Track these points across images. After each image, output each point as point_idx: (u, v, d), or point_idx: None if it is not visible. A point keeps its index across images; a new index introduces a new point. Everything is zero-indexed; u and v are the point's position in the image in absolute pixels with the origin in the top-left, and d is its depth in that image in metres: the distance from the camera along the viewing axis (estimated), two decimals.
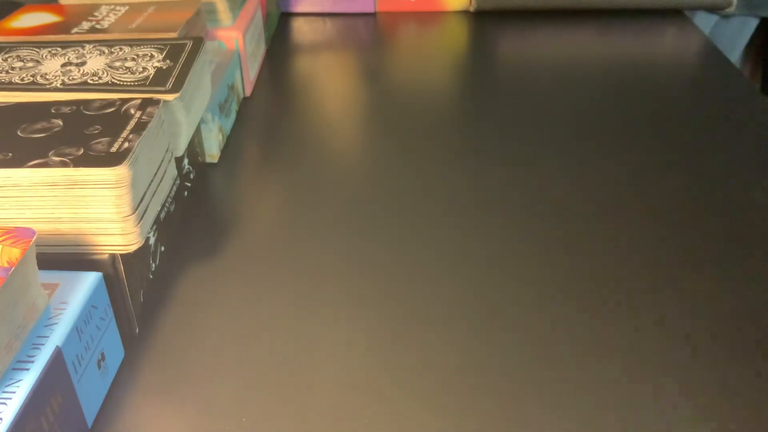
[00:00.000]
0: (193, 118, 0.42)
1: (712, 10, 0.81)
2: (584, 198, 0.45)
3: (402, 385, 0.32)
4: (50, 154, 0.32)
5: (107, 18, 0.50)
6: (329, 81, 0.63)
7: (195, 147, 0.46)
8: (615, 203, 0.45)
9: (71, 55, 0.43)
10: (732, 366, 0.33)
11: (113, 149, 0.32)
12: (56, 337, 0.28)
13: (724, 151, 0.50)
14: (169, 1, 0.53)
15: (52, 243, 0.33)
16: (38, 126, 0.35)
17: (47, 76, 0.40)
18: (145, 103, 0.37)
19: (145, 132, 0.34)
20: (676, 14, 0.77)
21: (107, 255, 0.33)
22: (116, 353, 0.33)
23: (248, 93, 0.60)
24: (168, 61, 0.42)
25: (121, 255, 0.33)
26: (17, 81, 0.40)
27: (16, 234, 0.27)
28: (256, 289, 0.38)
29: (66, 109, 0.37)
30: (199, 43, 0.44)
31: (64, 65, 0.41)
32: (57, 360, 0.27)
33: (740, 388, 0.32)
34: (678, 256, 0.40)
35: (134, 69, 0.41)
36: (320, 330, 0.35)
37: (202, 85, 0.44)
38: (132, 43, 0.44)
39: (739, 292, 0.37)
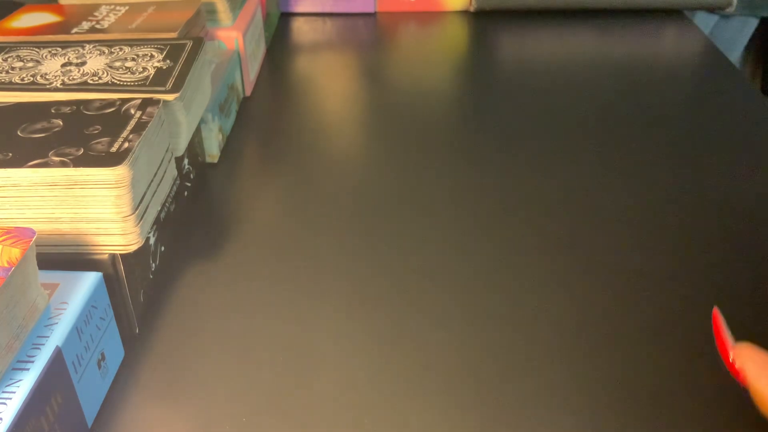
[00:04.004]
0: (193, 118, 0.42)
1: (712, 10, 0.81)
2: (584, 197, 0.45)
3: (402, 385, 0.32)
4: (50, 154, 0.32)
5: (107, 18, 0.50)
6: (329, 81, 0.63)
7: (195, 147, 0.46)
8: (615, 202, 0.45)
9: (71, 55, 0.43)
10: None
11: (113, 149, 0.32)
12: (56, 337, 0.28)
13: (723, 151, 0.50)
14: (169, 1, 0.53)
15: (52, 243, 0.33)
16: (38, 126, 0.35)
17: (47, 76, 0.40)
18: (145, 103, 0.37)
19: (145, 132, 0.34)
20: (676, 14, 0.77)
21: (107, 255, 0.33)
22: (116, 353, 0.33)
23: (248, 93, 0.60)
24: (168, 61, 0.42)
25: (121, 255, 0.33)
26: (17, 81, 0.40)
27: (16, 234, 0.27)
28: (255, 288, 0.38)
29: (66, 109, 0.37)
30: (199, 43, 0.44)
31: (64, 65, 0.41)
32: (57, 360, 0.27)
33: None
34: (678, 256, 0.40)
35: (134, 69, 0.41)
36: (320, 330, 0.35)
37: (202, 85, 0.44)
38: (132, 43, 0.44)
39: (739, 293, 0.37)
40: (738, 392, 0.32)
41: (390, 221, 0.43)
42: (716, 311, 0.29)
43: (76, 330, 0.29)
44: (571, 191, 0.46)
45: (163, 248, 0.38)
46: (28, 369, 0.26)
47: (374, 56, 0.68)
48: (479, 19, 0.77)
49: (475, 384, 0.32)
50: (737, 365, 0.26)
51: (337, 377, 0.33)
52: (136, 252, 0.34)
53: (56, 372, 0.27)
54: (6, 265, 0.26)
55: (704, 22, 0.89)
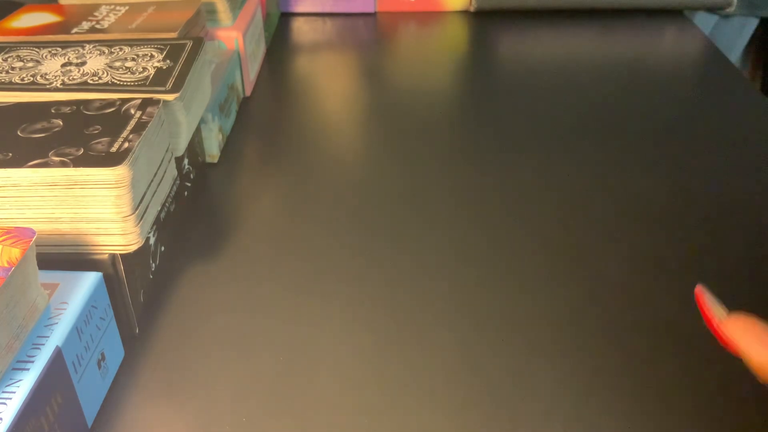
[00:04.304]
0: (193, 118, 0.42)
1: (712, 10, 0.81)
2: (584, 197, 0.45)
3: (402, 385, 0.32)
4: (50, 154, 0.32)
5: (107, 18, 0.50)
6: (329, 81, 0.63)
7: (195, 147, 0.46)
8: (615, 202, 0.45)
9: (71, 55, 0.43)
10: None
11: (113, 149, 0.32)
12: (56, 337, 0.28)
13: (723, 151, 0.50)
14: (169, 1, 0.53)
15: (52, 243, 0.33)
16: (38, 126, 0.35)
17: (47, 76, 0.40)
18: (145, 103, 0.37)
19: (145, 132, 0.34)
20: (676, 14, 0.77)
21: (107, 255, 0.33)
22: (116, 353, 0.33)
23: (248, 93, 0.60)
24: (168, 61, 0.42)
25: (121, 255, 0.33)
26: (17, 81, 0.40)
27: (16, 234, 0.27)
28: (255, 288, 0.38)
29: (66, 109, 0.37)
30: (199, 43, 0.44)
31: (64, 65, 0.41)
32: (57, 360, 0.27)
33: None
34: (678, 256, 0.40)
35: (134, 69, 0.41)
36: (320, 329, 0.35)
37: (202, 85, 0.44)
38: (132, 43, 0.44)
39: (739, 292, 0.37)
40: (741, 390, 0.32)
41: (390, 221, 0.43)
42: (698, 290, 0.29)
43: (76, 330, 0.29)
44: (570, 190, 0.46)
45: (163, 248, 0.38)
46: (28, 369, 0.26)
47: (374, 56, 0.68)
48: (479, 19, 0.77)
49: (475, 383, 0.32)
50: (727, 336, 0.27)
51: (338, 377, 0.33)
52: (136, 252, 0.34)
53: (56, 372, 0.27)
54: (6, 265, 0.26)
55: (704, 22, 0.89)
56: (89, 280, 0.31)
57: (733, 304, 0.37)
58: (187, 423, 0.31)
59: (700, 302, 0.29)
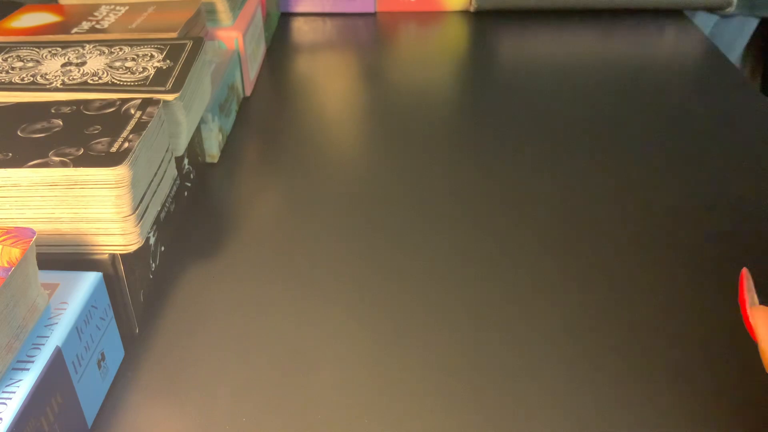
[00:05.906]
0: (193, 118, 0.42)
1: (712, 10, 0.81)
2: (584, 197, 0.45)
3: (403, 385, 0.32)
4: (50, 154, 0.32)
5: (107, 18, 0.50)
6: (329, 81, 0.63)
7: (195, 147, 0.46)
8: (614, 202, 0.45)
9: (71, 55, 0.43)
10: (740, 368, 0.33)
11: (113, 149, 0.32)
12: (56, 337, 0.28)
13: (723, 151, 0.50)
14: (169, 1, 0.53)
15: (52, 243, 0.33)
16: (38, 126, 0.35)
17: (47, 76, 0.40)
18: (145, 103, 0.37)
19: (145, 132, 0.34)
20: (676, 14, 0.77)
21: (107, 255, 0.33)
22: (116, 353, 0.33)
23: (248, 93, 0.60)
24: (168, 61, 0.42)
25: (121, 255, 0.33)
26: (17, 81, 0.40)
27: (16, 234, 0.27)
28: (256, 288, 0.38)
29: (66, 109, 0.37)
30: (199, 43, 0.44)
31: (64, 65, 0.41)
32: (57, 360, 0.27)
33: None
34: (678, 255, 0.40)
35: (134, 69, 0.41)
36: (320, 330, 0.35)
37: (202, 85, 0.44)
38: (132, 43, 0.44)
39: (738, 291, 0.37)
40: (736, 393, 0.32)
41: (390, 220, 0.43)
42: (744, 271, 0.30)
43: (76, 330, 0.29)
44: (570, 190, 0.46)
45: (163, 248, 0.39)
46: (28, 369, 0.26)
47: (374, 56, 0.68)
48: (479, 19, 0.77)
49: (476, 383, 0.32)
50: (752, 323, 0.28)
51: (338, 377, 0.33)
52: (136, 252, 0.34)
53: (56, 372, 0.27)
54: (6, 265, 0.26)
55: (704, 22, 0.89)
56: (89, 280, 0.31)
57: (733, 298, 0.37)
58: (187, 423, 0.31)
59: (741, 283, 0.30)
